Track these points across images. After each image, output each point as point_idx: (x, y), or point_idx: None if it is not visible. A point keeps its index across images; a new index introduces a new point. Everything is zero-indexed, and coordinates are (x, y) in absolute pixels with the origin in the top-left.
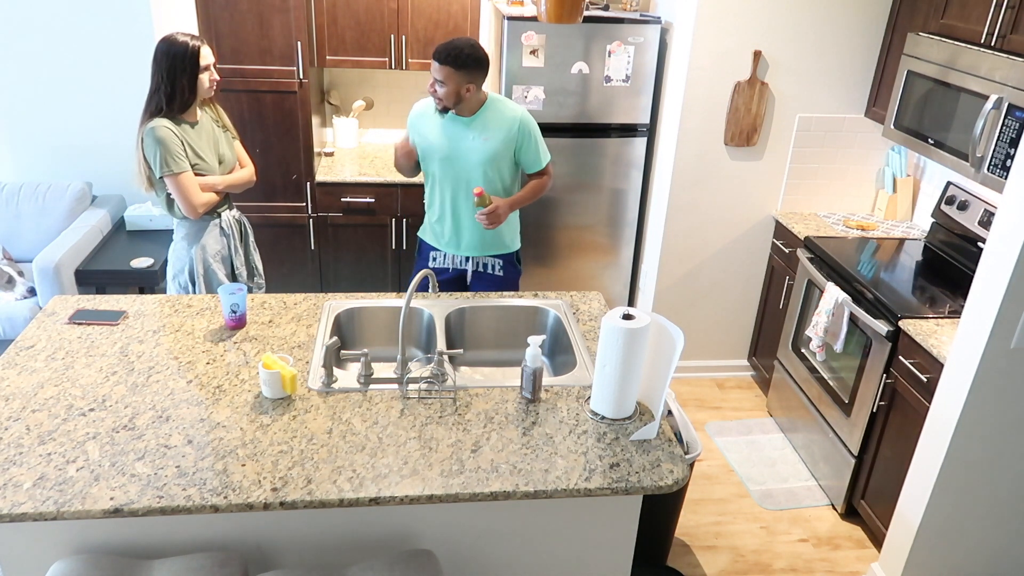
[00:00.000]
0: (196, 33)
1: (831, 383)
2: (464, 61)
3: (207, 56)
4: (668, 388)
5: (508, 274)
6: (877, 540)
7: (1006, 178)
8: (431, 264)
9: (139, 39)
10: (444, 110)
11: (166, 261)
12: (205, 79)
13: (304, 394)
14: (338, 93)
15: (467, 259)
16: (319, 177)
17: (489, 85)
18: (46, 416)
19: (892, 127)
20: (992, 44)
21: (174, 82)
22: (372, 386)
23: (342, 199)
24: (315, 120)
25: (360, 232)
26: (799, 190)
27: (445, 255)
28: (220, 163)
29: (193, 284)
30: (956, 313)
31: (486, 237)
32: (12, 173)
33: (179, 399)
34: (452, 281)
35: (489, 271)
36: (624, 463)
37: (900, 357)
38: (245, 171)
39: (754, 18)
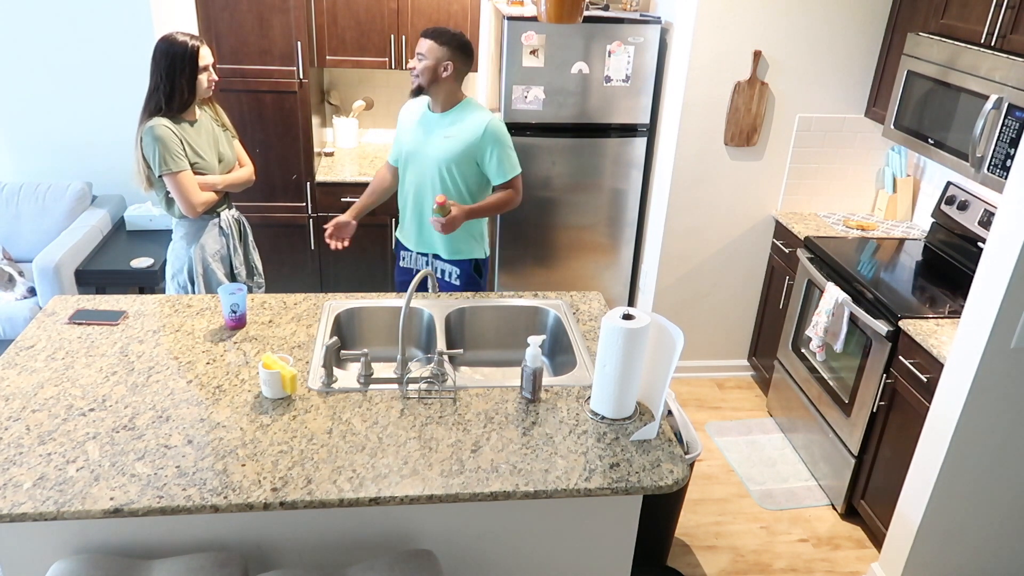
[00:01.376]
0: (196, 33)
1: (831, 383)
2: (447, 39)
3: (206, 56)
4: (668, 388)
5: (465, 284)
6: (877, 540)
7: (1006, 178)
8: (401, 264)
9: (139, 39)
10: (418, 90)
11: (165, 261)
12: (204, 79)
13: (304, 394)
14: (338, 93)
15: (427, 260)
16: (319, 177)
17: (489, 85)
18: (46, 416)
19: (892, 127)
20: (992, 44)
21: (173, 82)
22: (372, 386)
23: (342, 199)
24: (315, 120)
25: (360, 232)
26: (799, 190)
27: (413, 255)
28: (220, 162)
29: (192, 284)
30: (956, 313)
31: (445, 237)
32: (12, 173)
33: (179, 399)
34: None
35: (445, 279)
36: (624, 463)
37: (900, 357)
38: (244, 170)
39: (754, 18)
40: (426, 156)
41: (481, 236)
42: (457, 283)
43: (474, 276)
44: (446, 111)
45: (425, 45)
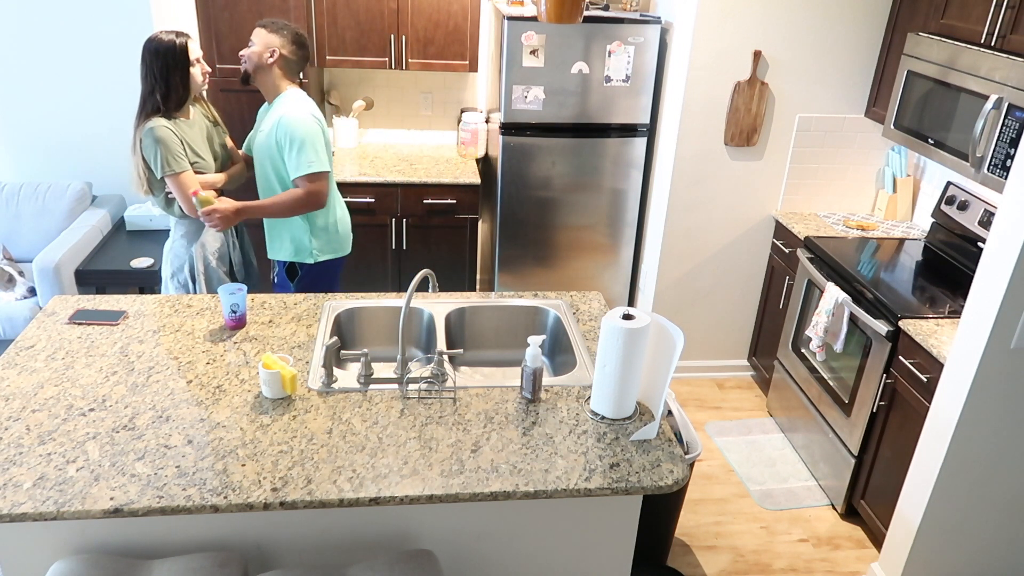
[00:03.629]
0: (180, 30)
1: (831, 383)
2: (278, 27)
3: (195, 50)
4: (668, 388)
5: (282, 282)
6: (877, 540)
7: (1006, 178)
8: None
9: (139, 39)
10: (244, 78)
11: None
12: (197, 73)
13: (304, 394)
14: (338, 93)
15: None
16: None
17: (489, 85)
18: (46, 416)
19: (892, 127)
20: (992, 44)
21: (168, 81)
22: (372, 386)
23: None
24: None
25: (360, 232)
26: (799, 190)
27: None
28: (215, 159)
29: (193, 282)
30: (956, 313)
31: (269, 232)
32: (12, 173)
33: (179, 399)
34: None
35: (276, 277)
36: (624, 463)
37: (900, 357)
38: (239, 166)
39: (754, 18)
40: (254, 150)
41: (302, 243)
42: (276, 280)
43: (284, 277)
44: (270, 103)
45: (256, 34)
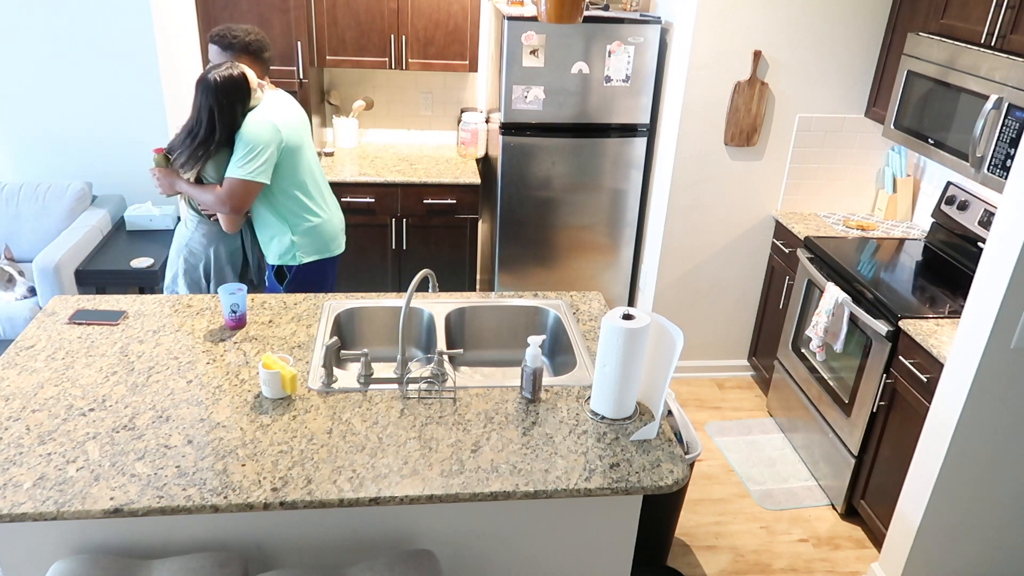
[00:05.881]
0: (233, 63)
1: (831, 383)
2: (228, 43)
3: (252, 76)
4: (668, 388)
5: (271, 284)
6: (877, 540)
7: (1006, 178)
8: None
9: (139, 39)
10: None
11: (167, 260)
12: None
13: (304, 394)
14: (338, 93)
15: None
16: None
17: (489, 85)
18: (46, 416)
19: (892, 127)
20: (992, 44)
21: (235, 122)
22: (372, 386)
23: (342, 199)
24: (315, 120)
25: (360, 232)
26: (799, 190)
27: None
28: None
29: (207, 282)
30: (956, 313)
31: (259, 235)
32: (12, 173)
33: (179, 399)
34: None
35: (267, 280)
36: (624, 463)
37: (900, 357)
38: None
39: (754, 18)
40: None
41: (285, 245)
42: (266, 283)
43: (273, 280)
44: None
45: (211, 51)
